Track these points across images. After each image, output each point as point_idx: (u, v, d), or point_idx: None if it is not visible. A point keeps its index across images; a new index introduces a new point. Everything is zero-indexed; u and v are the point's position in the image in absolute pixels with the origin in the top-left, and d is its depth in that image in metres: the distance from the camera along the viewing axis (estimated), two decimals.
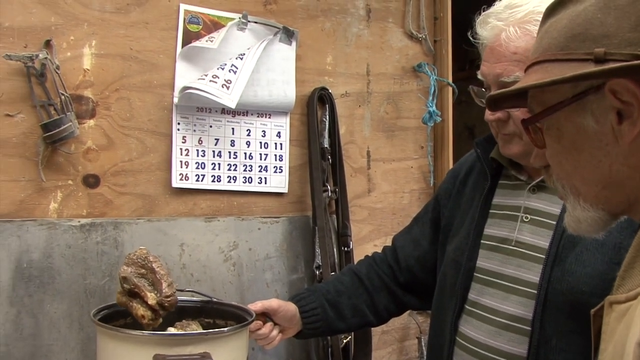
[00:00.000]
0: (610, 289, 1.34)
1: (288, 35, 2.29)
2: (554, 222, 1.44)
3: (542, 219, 1.47)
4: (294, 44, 2.31)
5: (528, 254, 1.46)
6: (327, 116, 2.39)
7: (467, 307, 1.54)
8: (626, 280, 0.86)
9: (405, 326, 2.63)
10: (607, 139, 0.86)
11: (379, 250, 1.93)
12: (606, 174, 0.88)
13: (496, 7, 1.46)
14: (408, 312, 2.62)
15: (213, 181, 2.21)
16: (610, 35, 0.83)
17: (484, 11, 1.49)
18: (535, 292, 1.41)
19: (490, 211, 1.57)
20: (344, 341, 2.35)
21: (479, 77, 1.48)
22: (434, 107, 2.60)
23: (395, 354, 2.63)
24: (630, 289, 0.84)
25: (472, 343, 1.51)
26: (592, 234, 0.97)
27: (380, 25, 2.57)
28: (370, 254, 1.94)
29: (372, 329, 2.42)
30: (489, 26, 1.43)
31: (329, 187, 2.36)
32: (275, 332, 1.72)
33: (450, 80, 2.66)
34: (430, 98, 2.61)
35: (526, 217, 1.50)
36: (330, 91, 2.40)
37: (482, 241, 1.55)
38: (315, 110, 2.35)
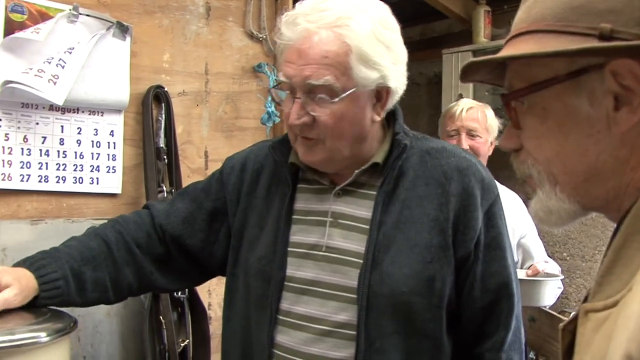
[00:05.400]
0: (427, 287, 1.39)
1: (122, 30, 2.20)
2: (365, 226, 1.44)
3: (351, 223, 1.47)
4: (128, 39, 2.22)
5: (342, 259, 1.45)
6: (163, 115, 2.33)
7: (279, 317, 1.49)
8: (604, 286, 0.79)
9: None
10: (600, 126, 0.80)
11: None
12: (592, 164, 0.81)
13: (303, 9, 1.40)
14: None
15: (40, 181, 2.09)
16: (617, 11, 0.76)
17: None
18: (355, 296, 1.41)
19: (294, 217, 1.52)
20: (182, 345, 2.31)
21: (282, 78, 1.42)
22: (273, 108, 2.61)
23: None
24: (609, 295, 0.77)
25: (289, 352, 1.48)
26: (558, 226, 0.90)
27: (220, 24, 2.54)
28: (117, 217, 1.72)
29: (210, 331, 2.39)
30: (298, 28, 1.37)
31: (164, 187, 2.30)
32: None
33: None
34: (270, 98, 2.61)
35: (334, 222, 1.48)
36: (166, 89, 2.34)
37: (289, 249, 1.50)
38: (151, 109, 2.29)
